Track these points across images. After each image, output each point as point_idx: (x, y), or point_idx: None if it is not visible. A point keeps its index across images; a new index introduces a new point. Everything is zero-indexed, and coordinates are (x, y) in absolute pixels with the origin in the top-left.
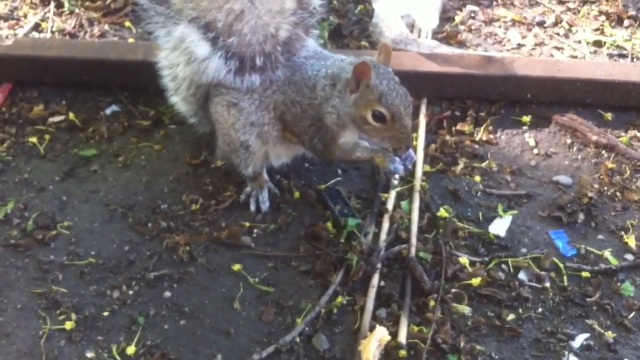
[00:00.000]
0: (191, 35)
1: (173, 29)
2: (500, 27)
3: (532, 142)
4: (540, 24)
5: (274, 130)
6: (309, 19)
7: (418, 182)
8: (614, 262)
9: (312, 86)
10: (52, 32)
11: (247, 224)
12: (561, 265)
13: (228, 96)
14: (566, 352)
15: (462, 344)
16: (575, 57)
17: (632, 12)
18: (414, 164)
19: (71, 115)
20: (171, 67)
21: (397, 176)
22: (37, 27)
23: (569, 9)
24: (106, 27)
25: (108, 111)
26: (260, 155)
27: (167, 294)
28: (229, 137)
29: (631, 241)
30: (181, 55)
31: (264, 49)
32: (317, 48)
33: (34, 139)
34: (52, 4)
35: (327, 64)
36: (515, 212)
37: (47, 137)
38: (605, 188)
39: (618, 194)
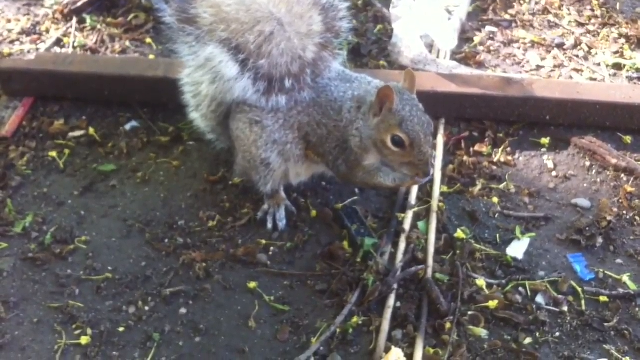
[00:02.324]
0: (220, 56)
1: (200, 49)
2: (519, 48)
3: (550, 165)
4: (560, 46)
5: (297, 149)
6: (334, 40)
7: (435, 202)
8: (632, 286)
9: (338, 108)
10: (74, 48)
11: (264, 241)
12: (579, 289)
13: (251, 114)
14: None
15: None
16: (595, 79)
17: None
18: (432, 184)
19: (91, 131)
20: (194, 84)
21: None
22: (59, 43)
23: (588, 32)
24: (127, 43)
25: (128, 127)
26: (279, 173)
27: (183, 310)
28: (249, 154)
29: None
30: (207, 74)
31: (291, 70)
32: (340, 68)
33: (53, 154)
34: (74, 20)
35: (352, 86)
36: (533, 234)
37: (66, 151)
38: (625, 212)
39: (637, 218)
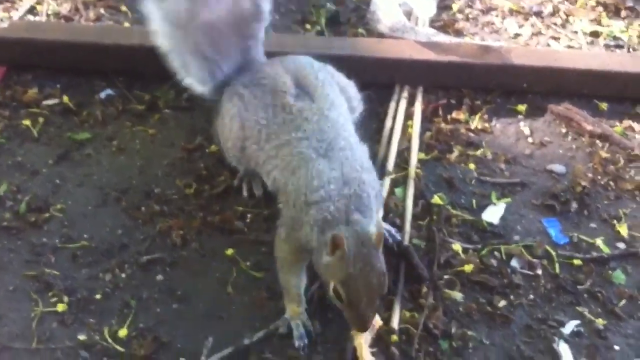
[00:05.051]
0: None
1: None
2: (497, 16)
3: (527, 131)
4: (538, 13)
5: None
6: None
7: (413, 169)
8: (605, 250)
9: (308, 197)
10: (48, 16)
11: (241, 208)
12: (553, 253)
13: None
14: (556, 339)
15: (453, 330)
16: (572, 47)
17: (629, 3)
18: (409, 151)
19: (65, 99)
20: None
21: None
22: (32, 10)
23: None
24: (102, 11)
25: (103, 95)
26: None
27: (160, 277)
28: (231, 132)
29: (623, 230)
30: None
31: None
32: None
33: (27, 122)
34: None
35: (330, 180)
36: (509, 200)
37: (41, 120)
38: (599, 177)
39: (611, 183)
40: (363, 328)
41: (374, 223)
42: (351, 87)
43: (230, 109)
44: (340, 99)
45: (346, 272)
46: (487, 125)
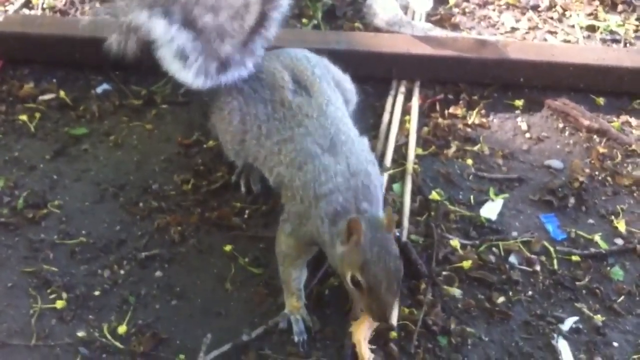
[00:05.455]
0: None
1: None
2: (494, 10)
3: (524, 126)
4: (534, 7)
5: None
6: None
7: (410, 165)
8: (604, 246)
9: (317, 194)
10: (43, 9)
11: (239, 204)
12: (551, 249)
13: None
14: (555, 335)
15: (452, 326)
16: (569, 41)
17: None
18: (407, 147)
19: (62, 94)
20: None
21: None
22: (27, 4)
23: None
24: (97, 4)
25: (99, 90)
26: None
27: (159, 274)
28: (230, 126)
29: (621, 226)
30: None
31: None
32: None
33: (24, 117)
34: None
35: (336, 174)
36: (506, 195)
37: (37, 115)
38: (597, 173)
39: (609, 178)
40: (384, 317)
41: (382, 211)
42: (346, 80)
43: (230, 102)
44: (336, 93)
45: (364, 257)
46: (484, 120)
